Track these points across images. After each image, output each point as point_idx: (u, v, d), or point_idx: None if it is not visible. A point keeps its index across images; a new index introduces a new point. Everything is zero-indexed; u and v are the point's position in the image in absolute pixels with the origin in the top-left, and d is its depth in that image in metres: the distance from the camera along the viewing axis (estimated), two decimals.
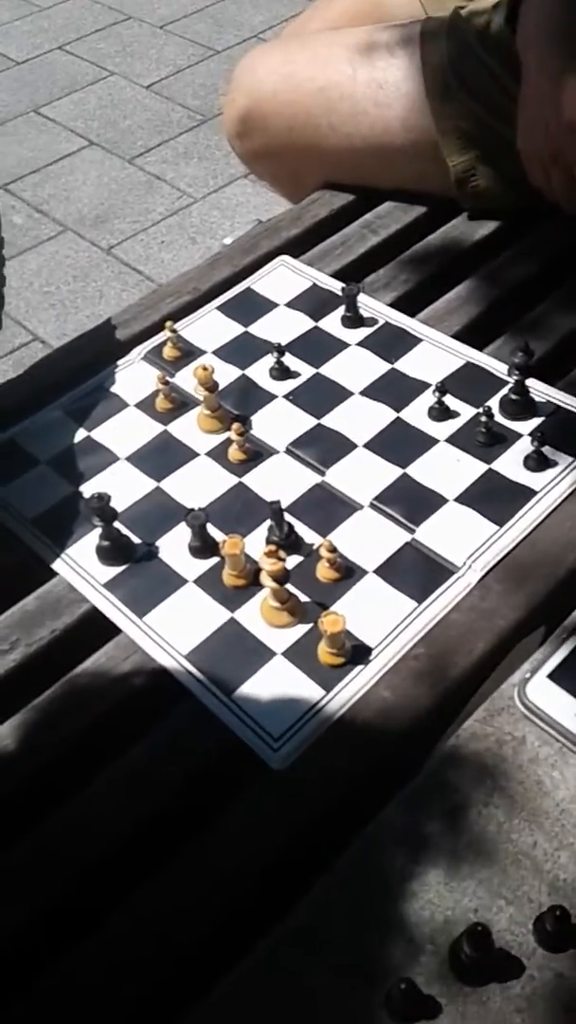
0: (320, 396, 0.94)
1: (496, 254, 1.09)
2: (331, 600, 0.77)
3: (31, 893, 0.63)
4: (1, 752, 0.71)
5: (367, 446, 0.89)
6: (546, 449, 0.84)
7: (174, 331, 1.00)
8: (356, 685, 0.72)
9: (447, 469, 0.86)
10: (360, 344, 0.99)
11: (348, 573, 0.79)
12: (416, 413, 0.91)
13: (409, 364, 0.96)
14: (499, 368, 0.94)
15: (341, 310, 1.02)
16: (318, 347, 0.99)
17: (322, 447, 0.89)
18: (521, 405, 0.89)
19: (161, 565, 0.81)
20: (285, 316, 1.04)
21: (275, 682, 0.72)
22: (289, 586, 0.75)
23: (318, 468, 0.87)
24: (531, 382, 0.90)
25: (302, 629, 0.75)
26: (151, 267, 2.12)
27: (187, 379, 0.96)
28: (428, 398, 0.91)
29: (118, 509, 0.82)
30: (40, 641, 0.78)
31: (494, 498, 0.83)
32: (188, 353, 1.01)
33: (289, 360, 0.97)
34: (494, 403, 0.90)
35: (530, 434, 0.86)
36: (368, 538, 0.81)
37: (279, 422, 0.92)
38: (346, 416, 0.92)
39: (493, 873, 0.59)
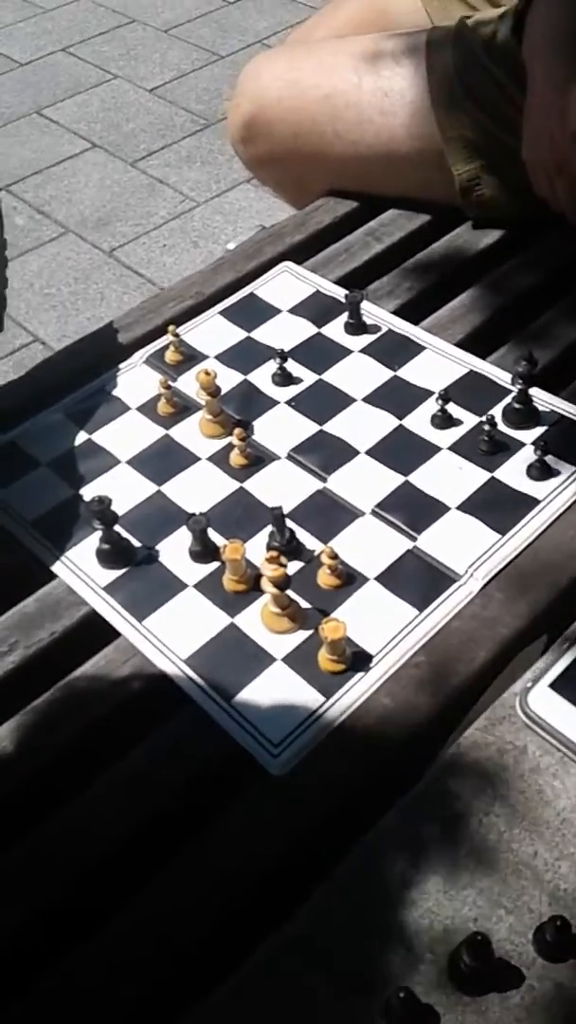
0: (322, 402, 0.94)
1: (500, 263, 1.09)
2: (332, 607, 0.77)
3: (30, 894, 0.63)
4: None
5: (369, 453, 0.89)
6: (549, 458, 0.84)
7: (176, 335, 0.99)
8: (356, 692, 0.71)
9: (449, 477, 0.86)
10: (363, 351, 0.99)
11: (349, 580, 0.78)
12: (419, 421, 0.91)
13: (412, 372, 0.96)
14: (503, 377, 0.94)
15: (344, 317, 1.02)
16: (321, 353, 0.99)
17: (324, 453, 0.89)
18: (524, 414, 0.89)
19: (161, 569, 0.81)
20: (288, 322, 1.04)
21: (275, 688, 0.72)
22: (290, 592, 0.75)
23: (320, 474, 0.87)
24: (535, 391, 0.90)
25: (302, 635, 0.75)
26: (152, 270, 2.12)
27: (189, 383, 0.97)
28: (431, 406, 0.91)
29: (119, 512, 0.81)
30: (39, 643, 0.78)
31: (496, 507, 0.83)
32: (190, 357, 1.01)
33: (291, 366, 0.97)
34: (497, 412, 0.90)
35: (533, 443, 0.86)
36: (369, 545, 0.81)
37: (281, 428, 0.92)
38: (348, 423, 0.92)
39: (493, 882, 0.59)
